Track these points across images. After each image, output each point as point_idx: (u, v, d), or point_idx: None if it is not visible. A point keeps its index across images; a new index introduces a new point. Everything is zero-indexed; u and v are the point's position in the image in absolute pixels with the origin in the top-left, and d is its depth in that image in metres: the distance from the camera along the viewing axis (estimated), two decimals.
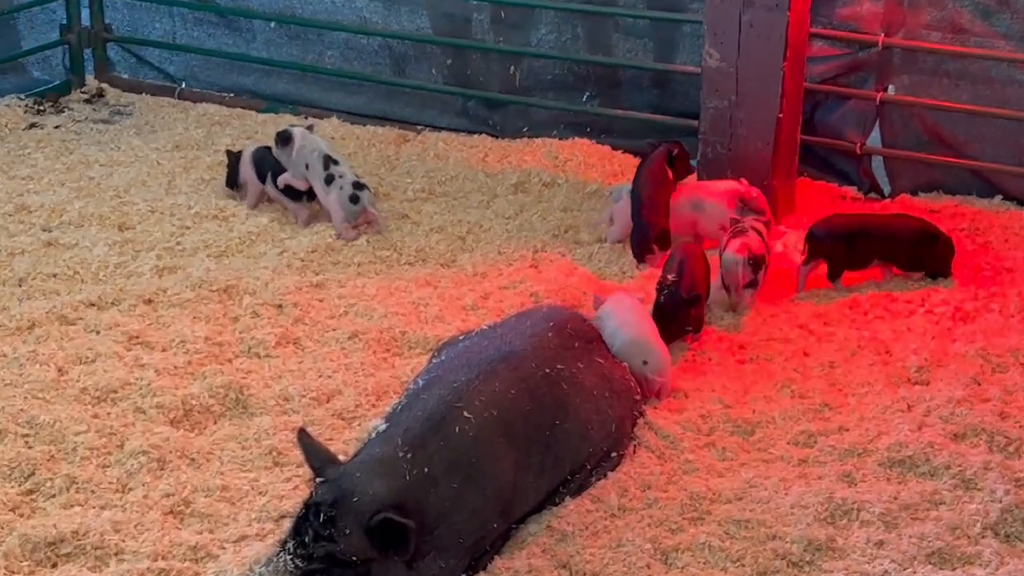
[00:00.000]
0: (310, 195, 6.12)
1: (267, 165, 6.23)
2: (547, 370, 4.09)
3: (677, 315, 5.01)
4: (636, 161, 6.89)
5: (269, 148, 6.26)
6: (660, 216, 5.76)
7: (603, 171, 6.85)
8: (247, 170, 6.31)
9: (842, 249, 5.54)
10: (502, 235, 6.09)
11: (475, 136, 7.32)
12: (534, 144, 7.16)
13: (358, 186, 6.00)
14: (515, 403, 3.91)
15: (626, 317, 4.72)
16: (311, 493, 3.57)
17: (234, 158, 6.38)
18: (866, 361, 4.96)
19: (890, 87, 6.63)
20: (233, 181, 6.38)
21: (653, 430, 4.44)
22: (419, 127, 7.45)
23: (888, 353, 5.01)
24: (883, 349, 5.04)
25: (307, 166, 6.07)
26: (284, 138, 6.17)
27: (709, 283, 5.28)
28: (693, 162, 6.29)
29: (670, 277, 5.07)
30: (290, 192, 6.16)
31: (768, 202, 5.71)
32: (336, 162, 6.07)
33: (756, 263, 5.28)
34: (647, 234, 5.73)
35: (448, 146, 7.16)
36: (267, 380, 4.73)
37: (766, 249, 5.38)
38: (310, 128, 6.32)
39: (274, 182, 6.18)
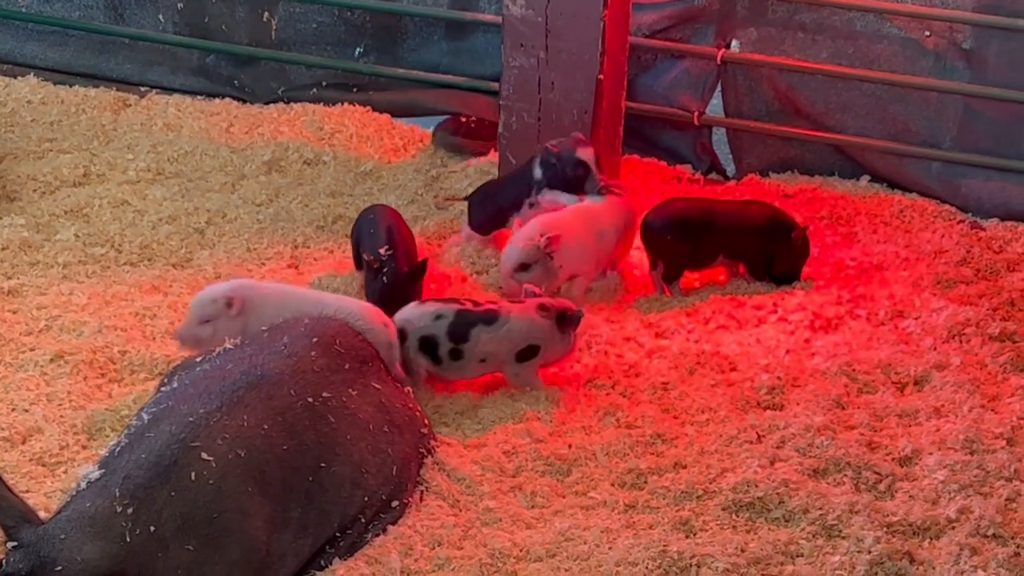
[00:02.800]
0: None
1: None
2: (309, 399, 4.07)
3: (405, 296, 5.09)
4: (424, 134, 6.94)
5: None
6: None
7: (380, 146, 6.86)
8: None
9: (683, 243, 5.66)
10: (252, 227, 6.05)
11: (217, 100, 7.28)
12: (292, 111, 7.15)
13: None
14: (268, 442, 3.88)
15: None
16: (0, 562, 3.48)
17: None
18: (707, 381, 5.06)
19: (734, 43, 6.80)
20: None
21: (445, 471, 4.46)
22: (143, 88, 7.39)
23: (733, 370, 5.13)
24: (727, 366, 5.16)
25: None
26: None
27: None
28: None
29: (383, 251, 5.21)
30: None
31: None
32: None
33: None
34: None
35: (182, 113, 7.09)
36: None
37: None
38: None
39: None
